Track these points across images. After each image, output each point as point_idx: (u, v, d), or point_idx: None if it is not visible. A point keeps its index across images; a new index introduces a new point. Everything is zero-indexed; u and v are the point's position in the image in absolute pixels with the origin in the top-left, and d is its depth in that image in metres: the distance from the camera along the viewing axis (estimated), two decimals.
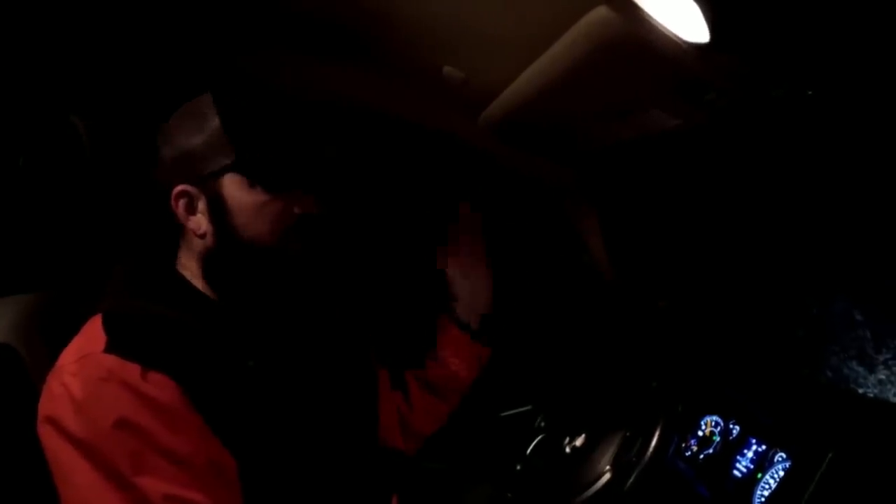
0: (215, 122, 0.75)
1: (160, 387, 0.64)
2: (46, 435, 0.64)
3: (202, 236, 0.76)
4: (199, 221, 0.76)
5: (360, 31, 0.91)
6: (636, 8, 0.63)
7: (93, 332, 0.67)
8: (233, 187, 0.75)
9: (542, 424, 1.04)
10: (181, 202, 0.75)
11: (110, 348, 0.64)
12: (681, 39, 0.65)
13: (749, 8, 0.61)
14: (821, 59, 0.68)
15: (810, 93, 0.74)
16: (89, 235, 0.97)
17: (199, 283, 0.78)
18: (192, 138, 0.75)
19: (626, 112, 0.89)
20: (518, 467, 0.99)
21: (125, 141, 0.97)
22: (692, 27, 0.64)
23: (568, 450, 0.96)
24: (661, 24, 0.64)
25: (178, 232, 0.79)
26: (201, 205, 0.75)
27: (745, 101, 0.76)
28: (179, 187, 0.75)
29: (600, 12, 0.65)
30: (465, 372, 1.08)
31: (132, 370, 0.64)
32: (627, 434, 0.90)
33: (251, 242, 0.75)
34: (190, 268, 0.79)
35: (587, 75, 0.78)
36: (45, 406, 0.65)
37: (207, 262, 0.77)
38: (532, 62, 0.82)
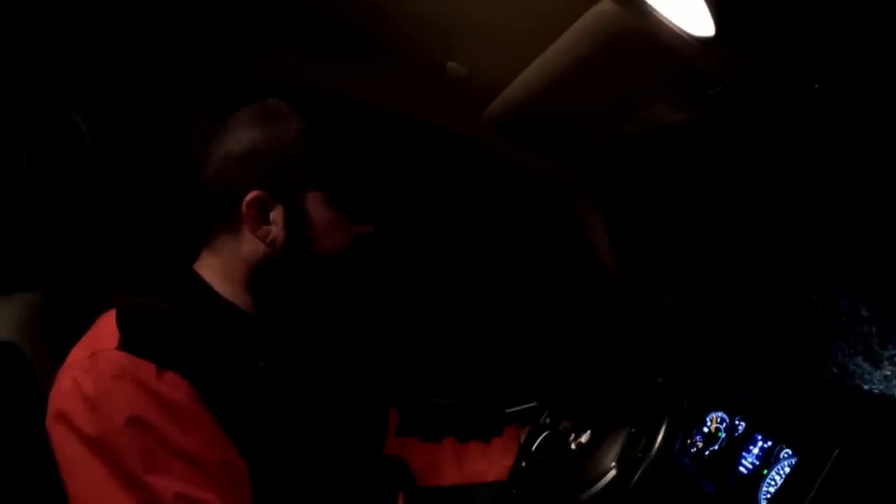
0: (297, 134, 0.75)
1: (173, 386, 0.63)
2: (56, 431, 0.63)
3: (270, 244, 0.75)
4: (271, 230, 0.74)
5: (364, 27, 0.91)
6: (641, 1, 0.62)
7: (105, 329, 0.66)
8: (315, 202, 0.76)
9: (548, 421, 1.04)
10: (254, 209, 0.73)
11: (123, 346, 0.64)
12: (686, 33, 0.65)
13: (755, 1, 0.60)
14: (827, 52, 0.68)
15: (817, 87, 0.73)
16: (93, 233, 0.97)
17: (220, 285, 0.77)
18: (268, 145, 0.74)
19: (631, 107, 0.89)
20: (523, 464, 0.99)
21: (128, 138, 0.97)
22: (698, 20, 0.63)
23: (573, 446, 0.96)
24: (666, 18, 0.64)
25: (204, 232, 0.77)
26: (276, 214, 0.74)
27: (751, 95, 0.76)
28: (255, 193, 0.72)
29: (605, 6, 0.64)
30: (491, 477, 1.03)
31: (145, 368, 0.63)
32: (632, 430, 0.90)
33: (321, 256, 0.77)
34: (216, 268, 0.77)
35: (591, 70, 0.78)
36: (55, 402, 0.64)
37: (267, 270, 0.76)
38: (536, 57, 0.81)
